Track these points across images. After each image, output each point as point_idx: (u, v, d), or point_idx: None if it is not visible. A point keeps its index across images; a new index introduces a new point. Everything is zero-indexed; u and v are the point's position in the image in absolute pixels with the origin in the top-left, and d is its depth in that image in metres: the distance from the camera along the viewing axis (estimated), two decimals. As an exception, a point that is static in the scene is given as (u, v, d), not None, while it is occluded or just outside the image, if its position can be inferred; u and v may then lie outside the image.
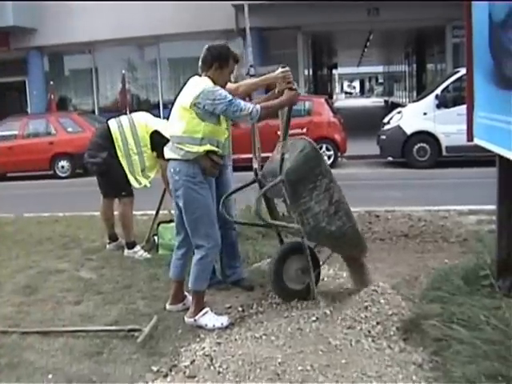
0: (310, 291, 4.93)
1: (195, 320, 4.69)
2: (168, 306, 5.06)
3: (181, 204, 4.69)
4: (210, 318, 4.69)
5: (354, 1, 18.99)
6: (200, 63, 4.80)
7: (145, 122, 6.82)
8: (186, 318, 4.76)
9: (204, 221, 4.66)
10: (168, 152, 4.75)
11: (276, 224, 4.99)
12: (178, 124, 4.62)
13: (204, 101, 4.48)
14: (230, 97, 4.51)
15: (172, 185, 4.73)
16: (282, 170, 4.77)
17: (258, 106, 4.55)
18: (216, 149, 4.67)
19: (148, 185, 6.86)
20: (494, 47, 4.17)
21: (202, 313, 4.70)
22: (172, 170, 4.67)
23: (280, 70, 4.80)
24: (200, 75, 4.81)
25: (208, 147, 4.60)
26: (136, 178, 6.75)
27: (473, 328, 3.84)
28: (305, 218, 4.78)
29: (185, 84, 4.82)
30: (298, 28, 21.17)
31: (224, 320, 4.69)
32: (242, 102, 4.55)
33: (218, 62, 4.67)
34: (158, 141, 6.65)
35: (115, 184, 6.79)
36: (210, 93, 4.49)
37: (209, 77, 4.67)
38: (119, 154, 6.66)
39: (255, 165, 5.24)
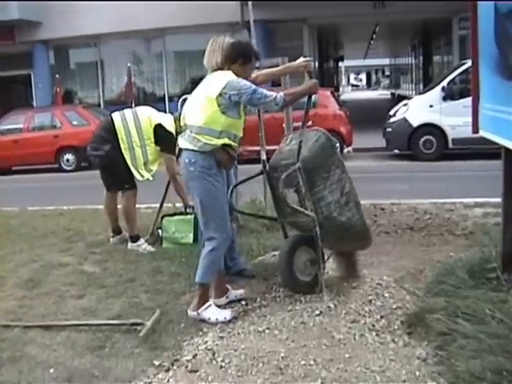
0: (316, 283, 4.92)
1: (198, 313, 4.66)
2: (211, 300, 4.91)
3: (195, 195, 4.70)
4: (213, 312, 4.66)
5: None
6: (211, 57, 4.96)
7: (148, 116, 6.79)
8: (189, 311, 4.73)
9: (217, 213, 4.66)
10: (183, 142, 4.71)
11: (296, 209, 4.91)
12: (199, 115, 4.61)
13: (230, 91, 4.53)
14: (253, 86, 4.61)
15: (186, 175, 4.71)
16: (298, 157, 4.79)
17: (282, 93, 4.68)
18: (233, 143, 4.70)
19: (150, 178, 6.83)
20: (500, 38, 4.11)
21: (204, 306, 4.67)
22: (187, 161, 4.63)
23: (302, 59, 5.00)
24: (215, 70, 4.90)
25: (226, 140, 4.63)
26: (138, 172, 6.72)
27: (477, 322, 3.80)
28: (318, 207, 4.82)
29: (200, 79, 4.90)
30: (304, 20, 21.08)
31: (227, 314, 4.67)
32: (265, 90, 4.65)
33: (242, 59, 4.77)
34: (161, 134, 6.63)
35: (118, 177, 6.76)
36: (236, 83, 4.57)
37: (232, 71, 4.73)
38: (122, 146, 6.63)
39: (263, 156, 5.23)
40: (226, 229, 4.72)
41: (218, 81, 4.63)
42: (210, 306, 4.70)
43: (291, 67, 5.20)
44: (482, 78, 4.66)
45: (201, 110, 4.62)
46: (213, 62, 5.05)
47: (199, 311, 4.67)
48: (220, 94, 4.53)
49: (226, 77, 4.64)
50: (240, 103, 4.62)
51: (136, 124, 6.67)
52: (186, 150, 4.65)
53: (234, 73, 4.71)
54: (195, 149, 4.58)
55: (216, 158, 4.61)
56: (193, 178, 4.63)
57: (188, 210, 6.95)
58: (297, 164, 4.77)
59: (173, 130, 6.69)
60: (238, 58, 4.76)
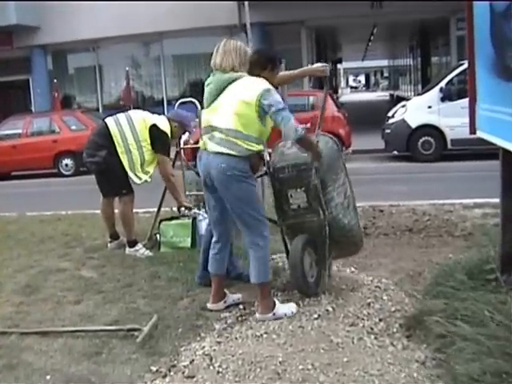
0: (317, 285, 4.99)
1: (274, 314, 4.61)
2: (209, 305, 4.95)
3: (233, 199, 4.61)
4: (282, 308, 4.67)
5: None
6: (225, 59, 4.88)
7: (142, 117, 6.77)
8: (260, 316, 4.64)
9: (260, 211, 4.71)
10: (215, 146, 4.60)
11: (307, 208, 4.94)
12: (236, 118, 4.54)
13: (263, 100, 4.50)
14: (283, 104, 4.57)
15: (223, 180, 4.57)
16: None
17: (304, 130, 4.58)
18: (262, 148, 4.72)
19: (148, 179, 6.81)
20: (496, 37, 4.10)
21: (273, 305, 4.66)
22: (224, 166, 4.53)
23: (319, 64, 5.24)
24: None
25: (261, 147, 4.65)
26: (136, 174, 6.69)
27: (477, 324, 3.78)
28: (328, 207, 4.90)
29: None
30: (302, 23, 21.07)
31: (293, 307, 4.70)
32: (292, 115, 4.57)
33: (271, 65, 4.88)
34: (156, 135, 6.63)
35: (115, 182, 6.71)
36: (270, 94, 4.54)
37: (262, 77, 4.75)
38: (119, 150, 6.60)
39: (267, 157, 5.24)
40: (267, 225, 4.77)
41: (253, 87, 4.59)
42: (275, 303, 4.72)
43: (308, 71, 5.44)
44: (478, 78, 4.65)
45: (237, 114, 4.54)
46: (228, 63, 5.01)
47: (273, 312, 4.63)
48: (258, 100, 4.50)
49: (261, 84, 4.61)
50: (268, 114, 4.55)
51: (131, 127, 6.64)
52: (221, 154, 4.56)
53: (265, 79, 4.72)
54: (234, 153, 4.51)
55: (251, 163, 4.59)
56: (231, 183, 4.54)
57: (182, 211, 6.90)
58: (315, 163, 4.83)
59: (168, 131, 6.69)
60: (268, 64, 4.84)
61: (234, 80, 4.72)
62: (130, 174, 6.66)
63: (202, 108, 4.95)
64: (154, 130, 6.64)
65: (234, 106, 4.56)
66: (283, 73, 5.39)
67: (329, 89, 5.29)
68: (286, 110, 4.52)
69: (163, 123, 6.73)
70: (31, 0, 21.17)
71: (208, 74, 5.31)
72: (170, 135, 6.74)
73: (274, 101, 4.50)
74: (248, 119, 4.52)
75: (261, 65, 4.82)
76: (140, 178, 6.74)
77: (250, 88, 4.58)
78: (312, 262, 4.98)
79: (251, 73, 4.80)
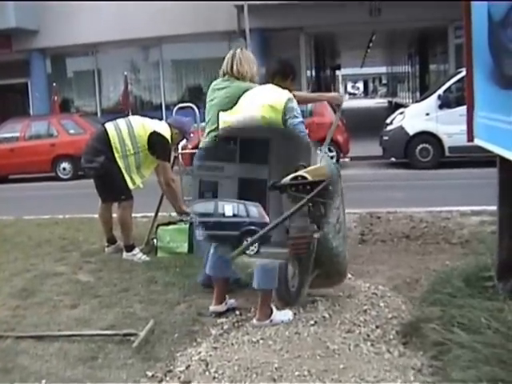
0: (298, 295, 4.95)
1: (271, 321, 4.61)
2: (212, 308, 4.94)
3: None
4: (279, 314, 4.66)
5: (355, 0, 18.93)
6: (244, 66, 5.07)
7: (142, 123, 6.78)
8: (257, 322, 4.63)
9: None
10: None
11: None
12: (261, 121, 4.56)
13: (289, 107, 4.58)
14: (301, 117, 4.66)
15: None
16: None
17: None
18: None
19: (141, 185, 6.81)
20: (494, 46, 4.11)
21: (269, 313, 4.65)
22: None
23: (336, 93, 5.60)
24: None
25: None
26: (131, 178, 6.70)
27: (473, 331, 3.78)
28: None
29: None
30: (300, 29, 21.08)
31: (289, 314, 4.69)
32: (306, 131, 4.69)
33: (292, 75, 4.99)
34: (157, 141, 6.62)
35: (114, 187, 6.70)
36: (293, 104, 4.64)
37: (280, 86, 4.80)
38: (116, 155, 6.59)
39: None
40: None
41: (277, 94, 4.67)
42: (272, 309, 4.71)
43: (324, 97, 5.85)
44: (476, 86, 4.66)
45: (263, 117, 4.57)
46: (246, 73, 5.05)
47: (271, 319, 4.62)
48: (284, 107, 4.56)
49: (285, 93, 4.68)
50: (286, 122, 4.60)
51: (130, 132, 6.64)
52: None
53: (283, 87, 4.77)
54: None
55: None
56: None
57: (183, 218, 6.90)
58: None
59: (168, 137, 6.69)
60: (290, 74, 4.93)
61: (250, 88, 4.88)
62: (126, 175, 6.65)
63: (201, 113, 4.97)
64: (154, 136, 6.64)
65: (260, 109, 4.61)
66: (300, 93, 5.47)
67: (341, 116, 5.41)
68: (303, 123, 4.60)
69: (164, 129, 6.74)
70: (30, 0, 21.16)
71: (211, 79, 5.31)
72: (170, 141, 6.75)
73: (297, 111, 4.60)
74: (273, 123, 4.55)
75: (284, 74, 4.89)
76: (134, 182, 6.73)
77: (274, 95, 4.67)
78: (295, 271, 4.95)
79: (271, 82, 4.86)
